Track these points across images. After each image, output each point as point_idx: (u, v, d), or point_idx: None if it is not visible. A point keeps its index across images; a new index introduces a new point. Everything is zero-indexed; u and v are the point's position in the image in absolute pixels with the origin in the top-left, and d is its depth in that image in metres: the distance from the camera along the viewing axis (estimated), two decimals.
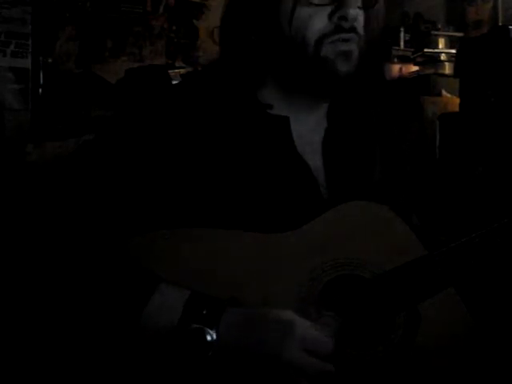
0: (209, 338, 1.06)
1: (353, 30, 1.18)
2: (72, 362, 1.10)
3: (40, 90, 3.96)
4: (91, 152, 1.19)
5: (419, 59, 3.69)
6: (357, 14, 1.18)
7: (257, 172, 1.18)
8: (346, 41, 1.18)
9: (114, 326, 1.09)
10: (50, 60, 4.06)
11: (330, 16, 1.17)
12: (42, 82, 3.97)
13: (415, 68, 3.67)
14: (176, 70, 3.73)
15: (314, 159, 1.24)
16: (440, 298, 1.15)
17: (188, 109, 1.20)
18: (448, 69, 3.50)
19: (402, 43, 3.89)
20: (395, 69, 3.70)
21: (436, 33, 3.79)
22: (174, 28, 4.44)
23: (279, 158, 1.21)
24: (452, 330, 1.16)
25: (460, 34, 3.80)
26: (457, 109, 2.90)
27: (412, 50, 3.80)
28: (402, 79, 3.57)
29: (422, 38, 3.79)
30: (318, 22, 1.17)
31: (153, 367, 1.09)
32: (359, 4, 1.20)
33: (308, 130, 1.25)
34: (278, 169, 1.20)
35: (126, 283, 1.09)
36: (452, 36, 3.79)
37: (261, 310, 1.09)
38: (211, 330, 1.06)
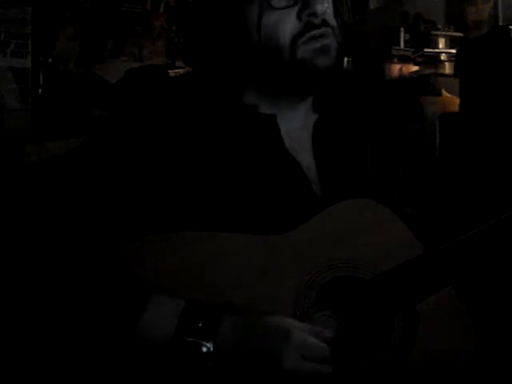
0: (205, 350, 1.05)
1: (324, 23, 1.17)
2: (65, 373, 1.09)
3: (40, 90, 3.97)
4: (87, 154, 1.19)
5: (419, 59, 3.69)
6: (326, 8, 1.17)
7: (247, 173, 1.18)
8: (320, 37, 1.17)
9: (109, 339, 1.08)
10: (49, 60, 4.06)
11: (299, 15, 1.16)
12: (41, 82, 3.98)
13: (415, 68, 3.67)
14: (176, 70, 3.73)
15: (305, 157, 1.23)
16: (438, 297, 1.15)
17: (177, 113, 1.19)
18: (448, 69, 3.50)
19: (402, 43, 3.89)
20: (395, 69, 3.70)
21: (436, 33, 3.79)
22: (174, 28, 4.44)
23: (269, 157, 1.20)
24: (450, 330, 1.16)
25: (460, 34, 3.80)
26: (457, 109, 2.90)
27: (412, 49, 3.80)
28: (402, 79, 3.57)
29: (422, 38, 3.79)
30: (287, 24, 1.16)
31: (149, 379, 1.08)
32: None
33: (296, 127, 1.24)
34: (269, 168, 1.19)
35: (120, 296, 1.08)
36: (452, 36, 3.78)
37: (258, 318, 1.08)
38: (208, 342, 1.05)
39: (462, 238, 1.14)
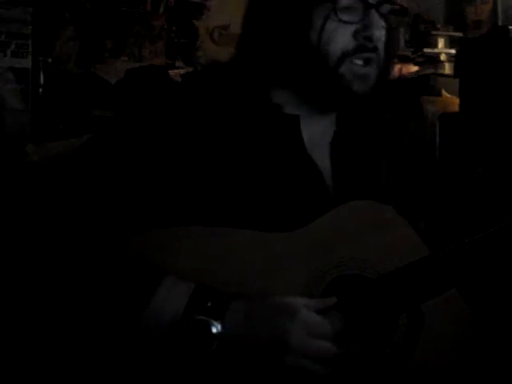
0: (214, 330, 1.06)
1: (375, 49, 1.20)
2: (77, 355, 1.10)
3: (40, 90, 3.96)
4: (93, 151, 1.19)
5: (419, 59, 3.70)
6: (381, 36, 1.21)
7: (265, 170, 1.18)
8: (366, 63, 1.20)
9: (120, 319, 1.09)
10: (50, 60, 4.05)
11: (355, 34, 1.19)
12: (42, 82, 3.97)
13: (415, 68, 3.67)
14: (176, 70, 3.74)
15: (323, 161, 1.24)
16: (442, 299, 1.15)
17: (195, 107, 1.20)
18: (448, 69, 3.50)
19: (402, 43, 3.89)
20: (395, 69, 3.70)
21: (436, 33, 3.79)
22: (174, 28, 4.44)
23: (288, 156, 1.21)
24: (454, 331, 1.16)
25: (460, 34, 3.81)
26: (457, 109, 2.90)
27: (412, 49, 3.80)
28: (402, 79, 3.57)
29: (422, 38, 3.80)
30: (343, 37, 1.19)
31: (157, 360, 1.09)
32: (383, 24, 1.21)
33: (317, 132, 1.25)
34: (287, 168, 1.20)
35: (132, 276, 1.10)
36: (452, 36, 3.79)
37: (264, 299, 1.09)
38: (216, 321, 1.06)
39: (468, 241, 1.15)
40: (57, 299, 1.10)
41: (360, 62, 1.19)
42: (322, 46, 1.19)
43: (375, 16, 1.19)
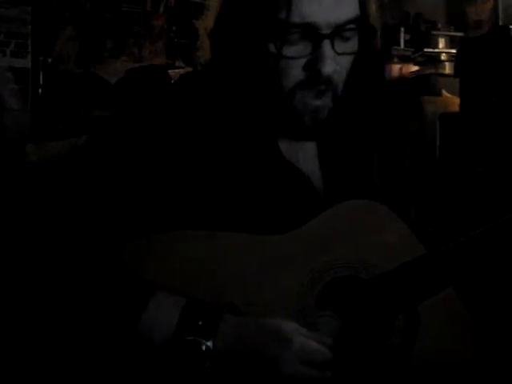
0: (204, 348, 1.05)
1: (328, 82, 1.15)
2: (66, 375, 1.09)
3: (40, 90, 3.97)
4: (89, 155, 1.19)
5: (419, 59, 3.70)
6: (336, 66, 1.14)
7: (248, 176, 1.18)
8: (318, 96, 1.16)
9: (111, 336, 1.08)
10: (49, 60, 4.06)
11: (306, 67, 1.14)
12: (41, 82, 3.98)
13: (415, 68, 3.68)
14: (176, 70, 3.73)
15: (309, 164, 1.24)
16: (439, 299, 1.15)
17: (191, 111, 1.20)
18: (448, 69, 3.51)
19: (402, 43, 3.90)
20: (395, 69, 3.70)
21: (436, 33, 3.80)
22: (174, 28, 4.44)
23: (268, 163, 1.20)
24: (451, 331, 1.16)
25: (460, 34, 3.81)
26: (457, 109, 2.90)
27: (412, 49, 3.81)
28: (402, 79, 3.58)
29: (422, 38, 3.81)
30: (293, 70, 1.14)
31: (149, 378, 1.08)
32: (347, 50, 1.16)
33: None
34: (269, 174, 1.19)
35: (121, 294, 1.09)
36: (452, 36, 3.80)
37: (259, 320, 1.08)
38: (207, 341, 1.06)
39: (463, 239, 1.14)
40: (50, 303, 1.10)
41: (311, 95, 1.15)
42: (277, 78, 1.15)
43: (327, 47, 1.12)
